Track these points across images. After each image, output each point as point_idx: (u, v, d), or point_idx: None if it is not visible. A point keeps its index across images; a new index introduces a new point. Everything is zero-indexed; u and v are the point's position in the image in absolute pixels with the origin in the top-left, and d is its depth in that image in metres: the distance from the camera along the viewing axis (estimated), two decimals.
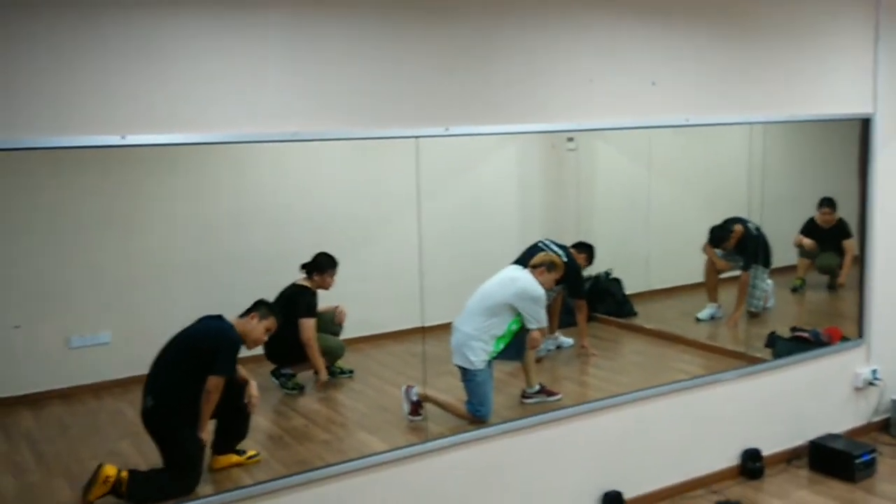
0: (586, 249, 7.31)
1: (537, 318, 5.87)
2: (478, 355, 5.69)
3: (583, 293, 7.17)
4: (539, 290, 5.88)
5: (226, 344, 5.06)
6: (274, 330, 5.38)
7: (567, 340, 7.29)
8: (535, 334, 5.93)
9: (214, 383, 4.96)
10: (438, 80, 4.78)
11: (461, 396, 5.66)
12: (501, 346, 5.81)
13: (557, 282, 6.36)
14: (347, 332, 6.72)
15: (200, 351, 5.01)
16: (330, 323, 6.68)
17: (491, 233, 7.43)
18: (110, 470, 4.66)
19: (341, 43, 4.47)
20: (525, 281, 5.90)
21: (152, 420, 4.93)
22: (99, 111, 3.91)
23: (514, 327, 5.84)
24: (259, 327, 5.24)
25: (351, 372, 6.69)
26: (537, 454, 5.41)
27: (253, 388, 5.28)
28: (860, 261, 6.86)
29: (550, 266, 6.10)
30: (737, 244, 7.51)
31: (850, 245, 7.28)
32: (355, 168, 6.69)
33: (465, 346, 5.72)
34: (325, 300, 6.68)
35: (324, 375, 6.53)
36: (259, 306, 5.34)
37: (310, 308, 6.52)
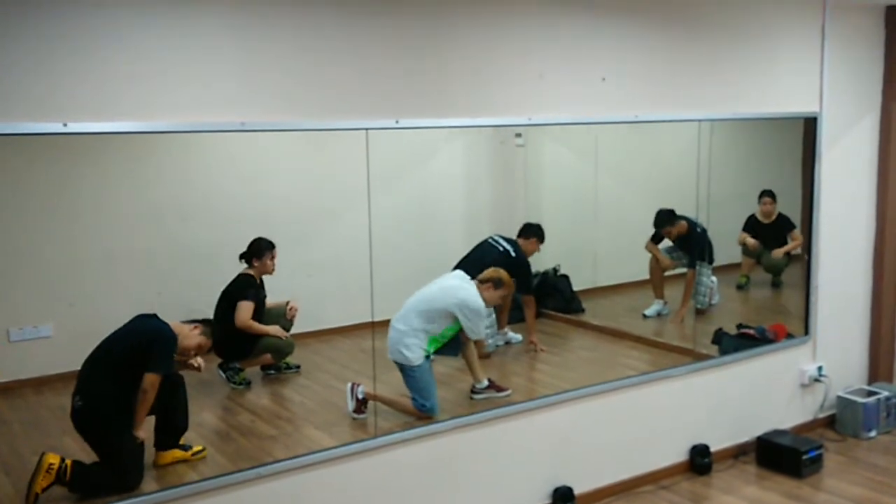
0: (534, 231, 7.22)
1: (474, 331, 5.81)
2: (413, 351, 5.64)
3: (531, 289, 7.14)
4: (480, 304, 5.79)
5: (162, 341, 4.96)
6: (205, 350, 5.29)
7: (516, 336, 7.27)
8: (476, 342, 5.94)
9: (151, 381, 4.85)
10: (389, 73, 4.74)
11: (408, 393, 5.61)
12: (435, 346, 5.77)
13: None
14: (295, 327, 6.63)
15: (134, 349, 4.90)
16: (281, 318, 6.59)
17: (440, 228, 7.38)
18: (53, 458, 4.57)
19: (291, 33, 4.42)
20: (467, 293, 5.81)
21: (82, 421, 4.83)
22: (41, 98, 3.82)
23: (450, 332, 5.81)
24: (195, 338, 5.16)
25: (298, 367, 6.62)
26: (487, 450, 5.39)
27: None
28: (805, 258, 6.93)
29: (498, 283, 5.95)
30: (681, 241, 7.55)
31: (797, 234, 7.35)
32: (304, 160, 6.60)
33: (400, 342, 5.67)
34: (276, 294, 6.60)
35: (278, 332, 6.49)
36: (206, 323, 5.29)
37: (245, 291, 6.41)
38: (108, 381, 4.87)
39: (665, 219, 7.55)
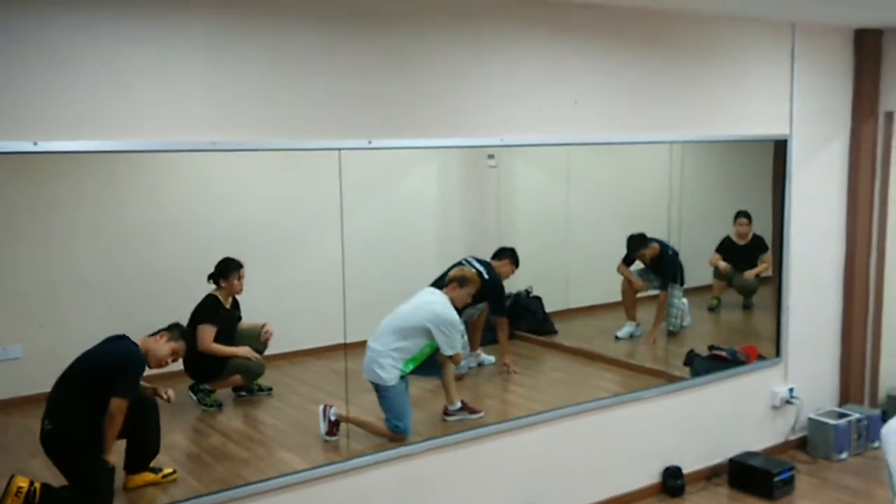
0: (509, 254, 7.22)
1: (451, 345, 5.76)
2: (388, 372, 5.62)
3: (504, 311, 7.13)
4: (453, 316, 5.78)
5: (128, 365, 4.91)
6: (182, 354, 5.27)
7: (489, 358, 7.25)
8: (452, 357, 5.84)
9: (117, 405, 4.80)
10: (362, 93, 4.74)
11: (381, 414, 5.58)
12: (412, 366, 5.74)
13: (475, 298, 6.25)
14: (266, 349, 6.59)
15: (102, 372, 4.85)
16: (255, 340, 6.55)
17: (412, 249, 7.38)
18: (22, 481, 4.51)
19: (263, 52, 4.41)
20: (438, 304, 5.80)
21: (51, 445, 4.78)
22: (10, 116, 3.79)
23: (428, 350, 5.78)
24: (165, 347, 5.11)
25: (270, 389, 6.58)
26: (460, 472, 5.37)
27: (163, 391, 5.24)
28: (776, 280, 6.95)
29: (462, 281, 5.97)
30: (653, 263, 7.57)
31: (768, 257, 7.41)
32: (277, 181, 6.59)
33: (375, 362, 5.65)
34: (248, 315, 6.57)
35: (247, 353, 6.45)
36: (172, 328, 5.23)
37: (205, 314, 6.37)
38: (77, 404, 4.82)
39: (637, 243, 7.58)
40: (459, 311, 5.96)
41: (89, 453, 4.79)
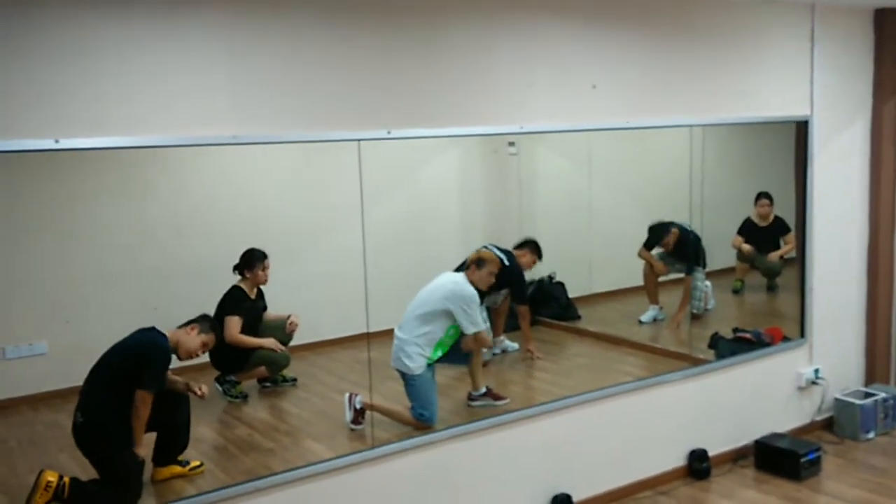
0: (530, 246, 7.22)
1: (472, 322, 5.73)
2: (415, 361, 5.64)
3: (525, 299, 7.10)
4: (469, 290, 5.77)
5: (153, 357, 4.93)
6: (211, 346, 5.29)
7: (512, 345, 7.25)
8: (477, 337, 5.80)
9: (141, 397, 4.82)
10: (380, 83, 4.74)
11: (406, 403, 5.60)
12: (440, 352, 5.75)
13: (497, 284, 6.24)
14: (291, 340, 6.63)
15: (129, 364, 4.88)
16: (280, 331, 6.57)
17: (434, 238, 7.37)
18: (51, 475, 4.53)
19: (281, 45, 4.42)
20: (455, 283, 5.80)
21: (83, 437, 4.81)
22: (32, 114, 3.82)
23: (454, 332, 5.78)
24: (196, 340, 5.14)
25: (294, 380, 6.60)
26: (485, 458, 5.39)
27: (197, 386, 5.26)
28: (800, 261, 6.93)
29: (479, 262, 5.94)
30: (675, 249, 7.56)
31: (791, 238, 7.37)
32: (299, 173, 6.59)
33: (402, 351, 5.67)
34: (272, 306, 6.61)
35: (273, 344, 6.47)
36: (202, 320, 5.25)
37: (232, 305, 6.39)
38: (106, 396, 4.85)
39: (660, 232, 7.56)
40: (482, 294, 5.95)
41: (119, 445, 4.80)
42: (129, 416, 4.82)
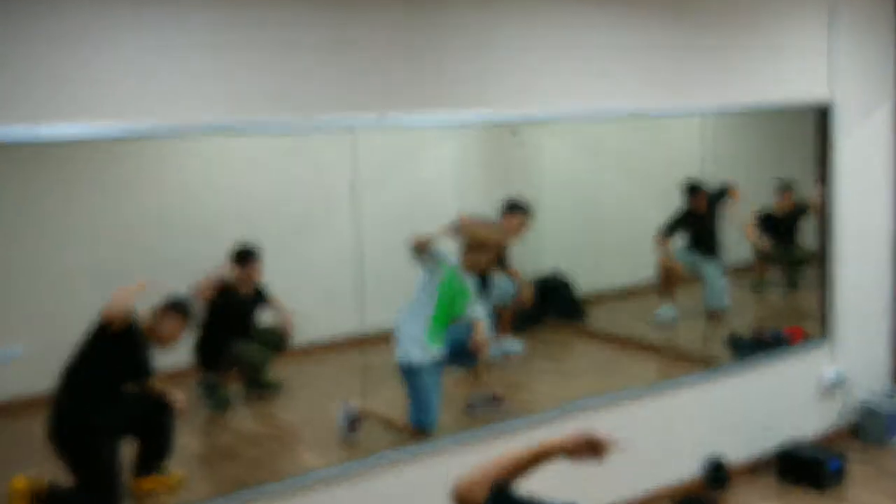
0: (516, 210, 6.59)
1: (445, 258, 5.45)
2: (415, 346, 5.34)
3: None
4: (451, 256, 5.50)
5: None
6: (183, 329, 5.14)
7: (516, 347, 6.95)
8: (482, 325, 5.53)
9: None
10: (374, 66, 4.65)
11: (402, 410, 5.37)
12: (439, 331, 5.41)
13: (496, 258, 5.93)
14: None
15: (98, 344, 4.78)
16: (270, 334, 6.25)
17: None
18: (27, 482, 4.52)
19: (268, 28, 4.34)
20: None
21: (59, 439, 4.67)
22: (7, 100, 3.76)
23: (444, 299, 5.42)
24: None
25: (279, 386, 6.27)
26: None
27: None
28: (822, 256, 6.77)
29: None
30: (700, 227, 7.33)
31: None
32: (287, 164, 6.35)
33: (403, 340, 5.39)
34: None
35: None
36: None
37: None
38: (83, 390, 4.76)
39: (695, 188, 7.13)
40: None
41: (97, 445, 4.69)
42: (106, 410, 4.75)
